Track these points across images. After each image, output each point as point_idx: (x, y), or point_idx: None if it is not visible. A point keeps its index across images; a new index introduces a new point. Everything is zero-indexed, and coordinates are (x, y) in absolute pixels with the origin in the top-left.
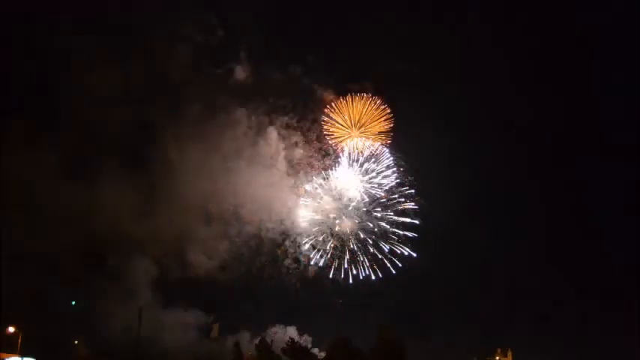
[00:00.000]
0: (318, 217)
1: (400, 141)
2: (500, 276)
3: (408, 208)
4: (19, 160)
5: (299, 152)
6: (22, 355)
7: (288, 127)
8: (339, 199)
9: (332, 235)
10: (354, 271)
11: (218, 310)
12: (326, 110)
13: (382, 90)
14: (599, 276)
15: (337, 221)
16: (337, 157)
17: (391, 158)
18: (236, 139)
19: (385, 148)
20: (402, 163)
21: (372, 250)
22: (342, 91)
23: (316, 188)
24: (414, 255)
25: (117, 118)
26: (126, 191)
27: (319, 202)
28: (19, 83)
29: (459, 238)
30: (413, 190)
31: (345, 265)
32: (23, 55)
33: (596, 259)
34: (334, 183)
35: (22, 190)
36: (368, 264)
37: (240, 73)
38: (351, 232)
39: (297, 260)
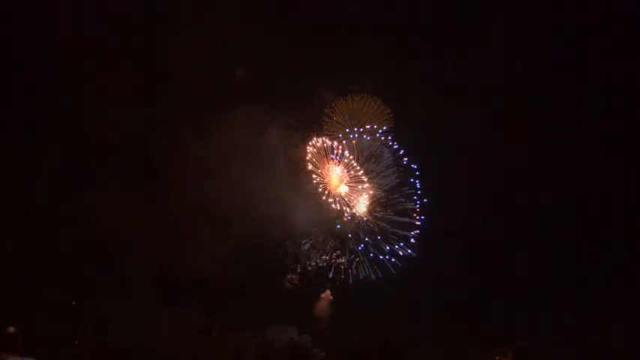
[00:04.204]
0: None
1: (400, 140)
2: (500, 276)
3: (408, 208)
4: (20, 159)
5: (299, 152)
6: (22, 355)
7: (288, 127)
8: None
9: (332, 235)
10: (354, 271)
11: (218, 310)
12: (326, 110)
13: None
14: (601, 275)
15: (337, 221)
16: (337, 156)
17: (391, 158)
18: (237, 139)
19: (385, 148)
20: (403, 162)
21: (372, 250)
22: (342, 91)
23: (316, 188)
24: (415, 255)
25: (118, 118)
26: (126, 191)
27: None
28: (19, 83)
29: (459, 238)
30: (413, 190)
31: (345, 265)
32: (23, 55)
33: (599, 258)
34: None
35: (22, 189)
36: (368, 264)
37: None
38: (351, 231)
39: (297, 260)
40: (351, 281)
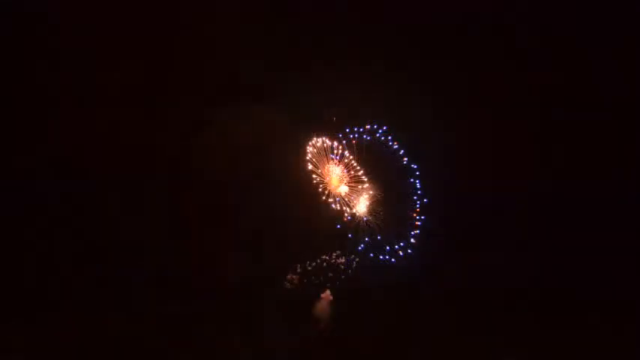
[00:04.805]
0: None
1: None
2: (500, 276)
3: (409, 208)
4: (20, 158)
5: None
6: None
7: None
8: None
9: (332, 235)
10: (354, 271)
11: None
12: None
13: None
14: (604, 275)
15: (337, 221)
16: (337, 156)
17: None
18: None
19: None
20: (403, 162)
21: (371, 249)
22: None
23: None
24: (414, 255)
25: (119, 118)
26: (128, 192)
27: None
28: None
29: (460, 238)
30: (413, 190)
31: (345, 266)
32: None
33: (602, 258)
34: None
35: (21, 189)
36: (368, 263)
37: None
38: (350, 232)
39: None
40: (350, 281)
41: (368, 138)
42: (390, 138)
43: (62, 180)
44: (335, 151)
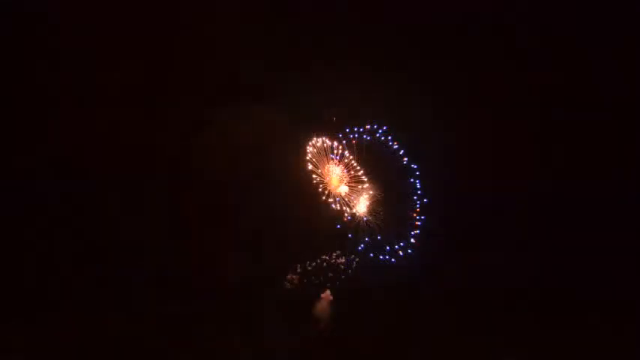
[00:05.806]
0: None
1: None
2: (500, 276)
3: (409, 208)
4: (20, 158)
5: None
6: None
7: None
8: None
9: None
10: (354, 271)
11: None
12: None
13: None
14: (604, 275)
15: (337, 221)
16: (337, 156)
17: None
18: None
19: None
20: (403, 162)
21: (371, 249)
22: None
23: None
24: (414, 255)
25: (119, 118)
26: (128, 192)
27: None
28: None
29: (460, 238)
30: (413, 190)
31: (345, 266)
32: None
33: (602, 258)
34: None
35: (21, 189)
36: (368, 263)
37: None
38: (350, 232)
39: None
40: (350, 281)
41: (368, 138)
42: (390, 138)
43: (62, 180)
44: (335, 151)
